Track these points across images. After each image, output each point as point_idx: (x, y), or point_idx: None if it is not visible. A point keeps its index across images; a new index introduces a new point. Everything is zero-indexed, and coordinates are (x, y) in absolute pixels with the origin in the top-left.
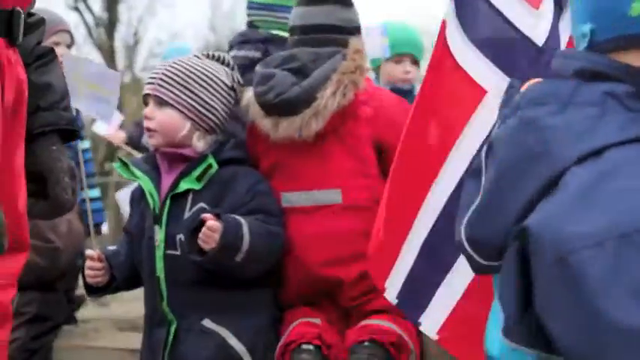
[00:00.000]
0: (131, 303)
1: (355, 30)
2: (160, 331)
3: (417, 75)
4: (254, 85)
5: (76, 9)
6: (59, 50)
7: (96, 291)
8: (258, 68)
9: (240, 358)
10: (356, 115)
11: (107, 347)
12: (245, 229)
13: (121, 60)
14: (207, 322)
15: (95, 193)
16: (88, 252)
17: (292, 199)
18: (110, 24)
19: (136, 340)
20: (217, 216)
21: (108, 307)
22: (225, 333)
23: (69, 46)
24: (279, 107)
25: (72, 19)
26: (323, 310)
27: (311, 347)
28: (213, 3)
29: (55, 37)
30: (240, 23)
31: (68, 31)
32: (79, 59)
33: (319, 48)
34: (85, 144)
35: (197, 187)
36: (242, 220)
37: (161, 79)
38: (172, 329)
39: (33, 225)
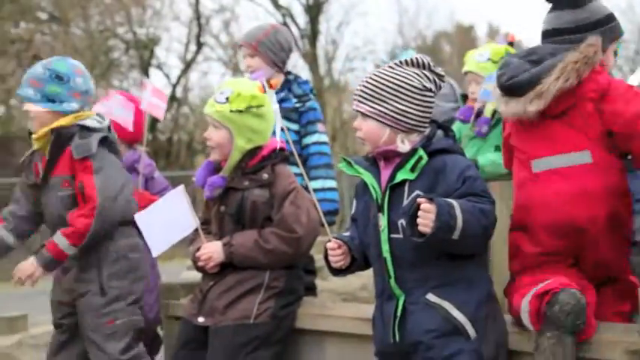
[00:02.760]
0: (346, 277)
1: (589, 26)
2: (390, 305)
3: None
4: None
5: (284, 24)
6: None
7: (339, 273)
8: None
9: (463, 328)
10: (584, 98)
11: (344, 316)
12: (457, 209)
13: (322, 66)
14: (430, 297)
15: (331, 183)
16: (329, 244)
17: (545, 163)
18: (312, 35)
19: (365, 310)
20: (430, 200)
21: (328, 280)
22: (449, 306)
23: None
24: (509, 89)
25: None
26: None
27: (573, 290)
28: (400, 9)
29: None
30: (425, 26)
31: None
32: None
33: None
34: (313, 137)
35: (411, 177)
36: (453, 201)
37: (360, 95)
38: (400, 303)
39: (281, 218)
